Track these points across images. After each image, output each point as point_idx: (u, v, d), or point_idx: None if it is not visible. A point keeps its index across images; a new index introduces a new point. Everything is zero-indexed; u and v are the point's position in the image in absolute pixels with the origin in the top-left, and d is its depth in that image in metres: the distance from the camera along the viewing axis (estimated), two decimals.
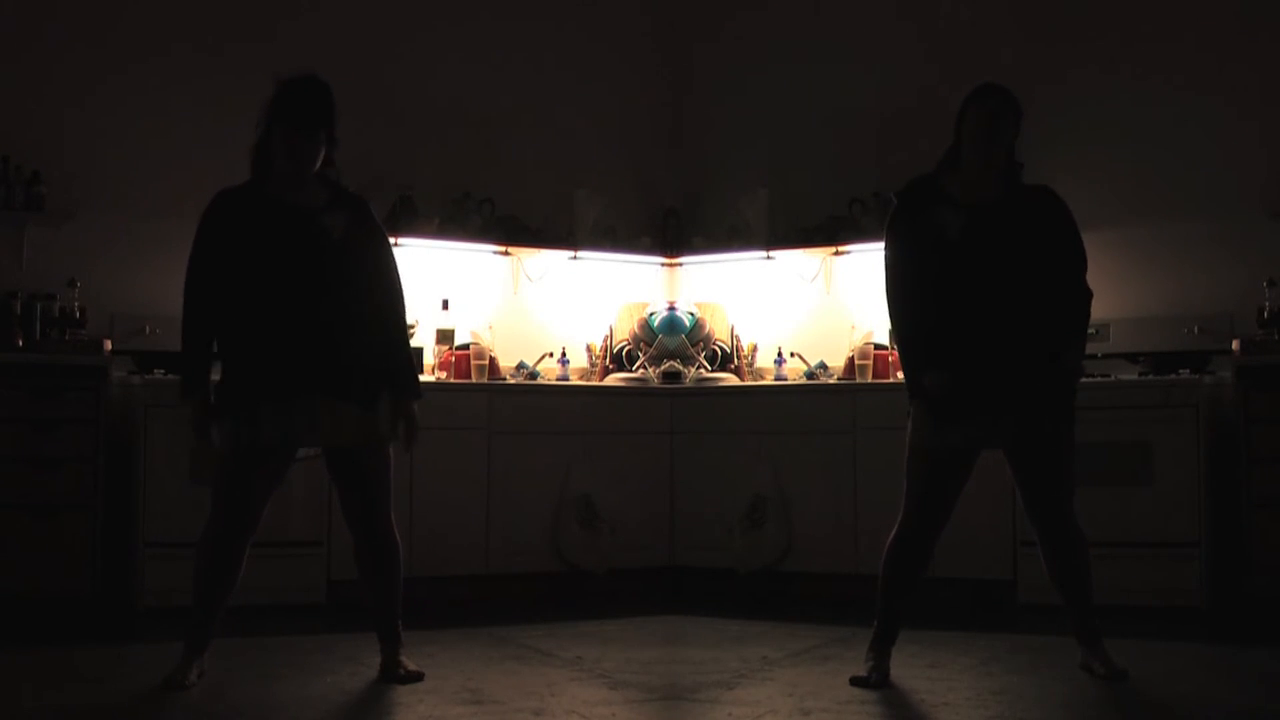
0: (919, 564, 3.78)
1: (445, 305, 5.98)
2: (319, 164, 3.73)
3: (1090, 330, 3.88)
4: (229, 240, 3.65)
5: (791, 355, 6.10)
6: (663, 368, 6.09)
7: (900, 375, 5.64)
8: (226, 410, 3.63)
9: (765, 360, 6.24)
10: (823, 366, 6.05)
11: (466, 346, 5.90)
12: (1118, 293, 5.42)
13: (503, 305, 6.25)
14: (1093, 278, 3.79)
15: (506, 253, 6.23)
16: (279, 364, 3.61)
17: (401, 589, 3.84)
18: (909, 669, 3.85)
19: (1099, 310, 4.11)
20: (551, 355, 6.12)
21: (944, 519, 3.76)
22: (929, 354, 3.70)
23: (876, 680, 3.68)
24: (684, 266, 6.52)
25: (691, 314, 6.29)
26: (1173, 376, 5.08)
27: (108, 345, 5.13)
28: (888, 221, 3.83)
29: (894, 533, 3.78)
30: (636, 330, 6.29)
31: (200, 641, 3.68)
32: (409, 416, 3.81)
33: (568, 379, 6.06)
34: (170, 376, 5.06)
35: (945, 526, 3.77)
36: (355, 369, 3.68)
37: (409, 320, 3.94)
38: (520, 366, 6.03)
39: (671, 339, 6.17)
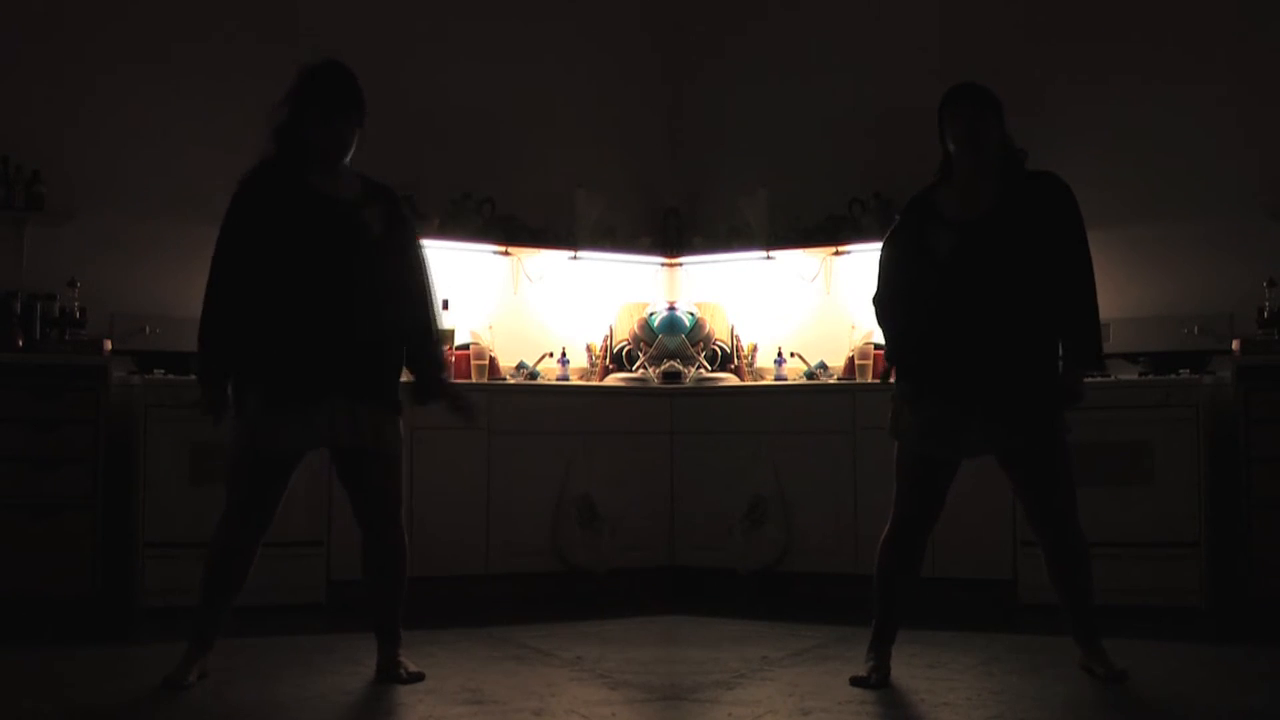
0: (912, 560, 3.78)
1: (445, 305, 5.95)
2: (352, 152, 3.68)
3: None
4: (261, 226, 3.57)
5: (791, 355, 6.10)
6: (663, 368, 6.09)
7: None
8: (243, 410, 3.59)
9: (765, 360, 6.24)
10: (823, 366, 6.05)
11: (466, 346, 5.90)
12: (1118, 293, 5.41)
13: (503, 305, 6.25)
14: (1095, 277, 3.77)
15: (506, 253, 6.23)
16: (304, 363, 3.56)
17: (406, 591, 3.84)
18: (909, 669, 3.85)
19: (1100, 311, 4.10)
20: (551, 355, 6.12)
21: (935, 513, 3.75)
22: (911, 378, 3.70)
23: (876, 680, 3.68)
24: (684, 266, 6.52)
25: (691, 314, 6.29)
26: (1173, 376, 5.07)
27: (108, 345, 5.13)
28: (884, 240, 3.81)
29: (886, 529, 3.78)
30: (636, 330, 6.29)
31: (205, 641, 3.68)
32: (451, 396, 3.81)
33: (568, 379, 6.06)
34: (170, 376, 5.06)
35: (937, 520, 3.76)
36: (379, 370, 3.66)
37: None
38: (520, 366, 6.03)
39: (671, 339, 6.17)
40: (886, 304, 3.81)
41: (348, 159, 3.68)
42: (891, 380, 3.81)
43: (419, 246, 3.81)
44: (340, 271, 3.60)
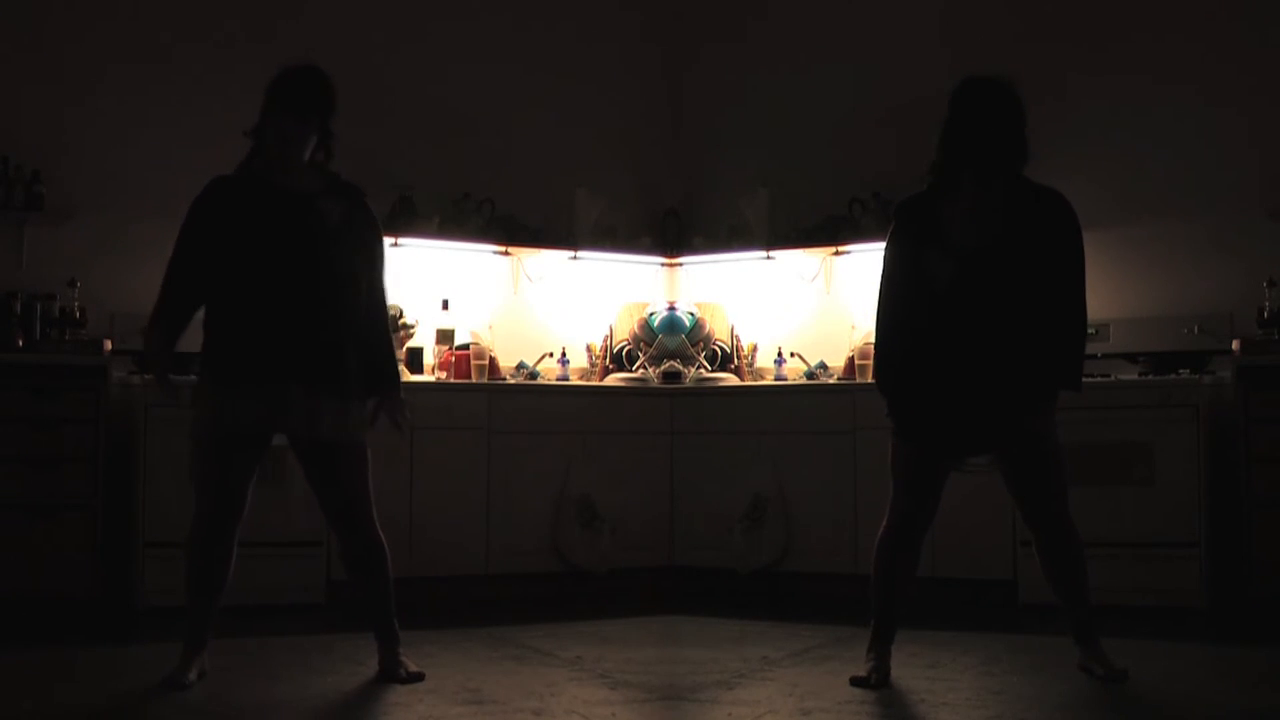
0: (910, 559, 3.78)
1: (445, 305, 5.98)
2: (310, 151, 3.71)
3: (1090, 330, 3.85)
4: (220, 223, 3.63)
5: (791, 355, 6.10)
6: (663, 368, 6.09)
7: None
8: (202, 394, 3.62)
9: (765, 360, 6.24)
10: (823, 366, 6.05)
11: (466, 346, 5.90)
12: (1118, 293, 5.42)
13: (503, 305, 6.25)
14: (1093, 278, 3.76)
15: (506, 253, 6.23)
16: (262, 348, 3.59)
17: (393, 587, 3.82)
18: (909, 669, 3.85)
19: (1099, 311, 4.12)
20: (551, 355, 6.12)
21: (932, 511, 3.75)
22: (906, 395, 3.68)
23: (876, 680, 3.67)
24: (684, 266, 6.52)
25: (691, 314, 6.29)
26: (1173, 376, 5.08)
27: (108, 345, 5.13)
28: (886, 244, 3.75)
29: (882, 528, 3.78)
30: (636, 330, 6.29)
31: (198, 639, 3.68)
32: (395, 409, 3.78)
33: (568, 379, 6.06)
34: (170, 376, 5.04)
35: (934, 514, 3.76)
36: (338, 358, 3.66)
37: (399, 317, 3.87)
38: (520, 366, 6.03)
39: (671, 339, 6.17)
40: (885, 343, 3.75)
41: (305, 157, 3.70)
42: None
43: (379, 245, 3.81)
44: (295, 259, 3.63)
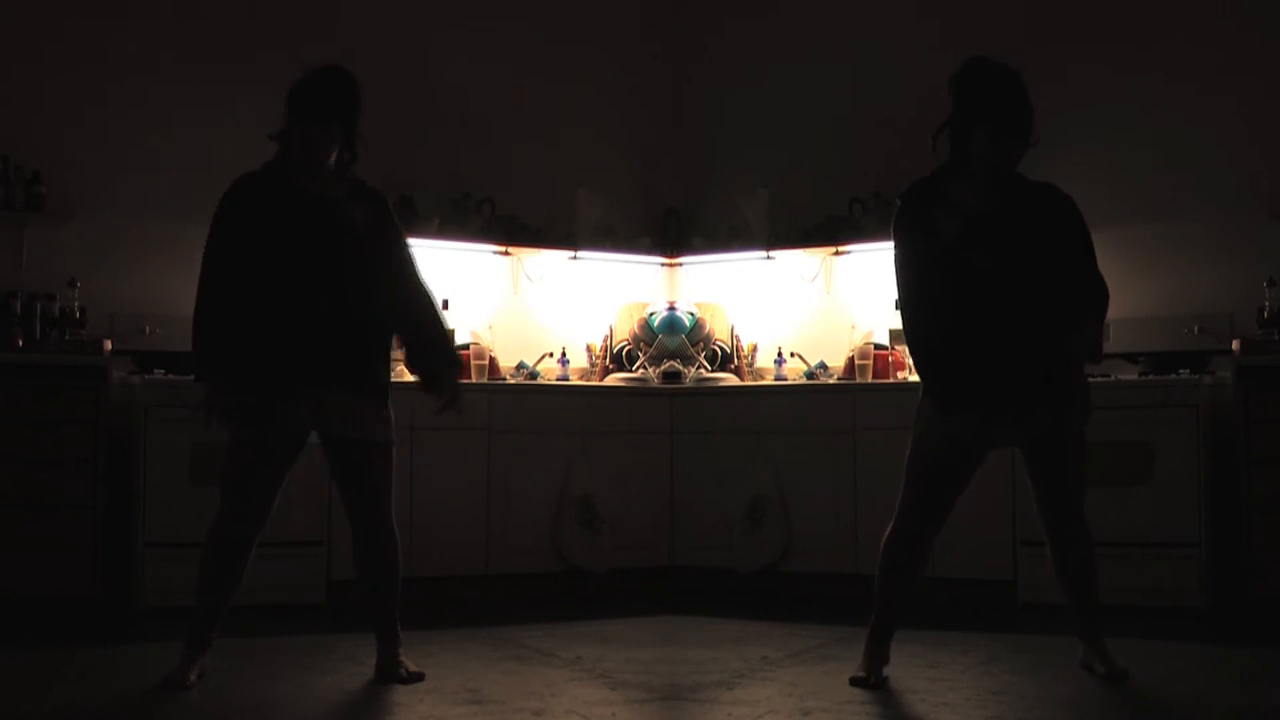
0: (916, 562, 3.76)
1: (445, 305, 5.94)
2: (334, 156, 3.71)
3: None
4: (248, 225, 3.63)
5: (791, 355, 6.10)
6: (663, 368, 6.09)
7: (900, 375, 5.69)
8: (235, 403, 3.59)
9: (765, 360, 6.24)
10: (823, 366, 6.05)
11: (466, 346, 5.90)
12: (1118, 292, 5.31)
13: (503, 305, 6.25)
14: None
15: (506, 253, 6.23)
16: (293, 353, 3.60)
17: (400, 588, 3.84)
18: (909, 669, 3.85)
19: None
20: (551, 355, 6.12)
21: (941, 520, 3.73)
22: (947, 356, 3.65)
23: (876, 680, 3.67)
24: (684, 266, 6.53)
25: (691, 314, 6.29)
26: (1173, 376, 5.07)
27: (108, 345, 5.13)
28: (892, 227, 3.75)
29: (890, 530, 3.74)
30: (636, 330, 6.29)
31: (202, 640, 3.67)
32: (454, 385, 3.82)
33: (568, 379, 6.06)
34: (170, 376, 5.06)
35: (943, 527, 3.75)
36: (367, 361, 3.69)
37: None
38: (520, 366, 6.03)
39: (671, 339, 6.17)
40: (910, 311, 3.71)
41: (330, 162, 3.72)
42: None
43: (406, 248, 3.85)
44: (326, 262, 3.64)
